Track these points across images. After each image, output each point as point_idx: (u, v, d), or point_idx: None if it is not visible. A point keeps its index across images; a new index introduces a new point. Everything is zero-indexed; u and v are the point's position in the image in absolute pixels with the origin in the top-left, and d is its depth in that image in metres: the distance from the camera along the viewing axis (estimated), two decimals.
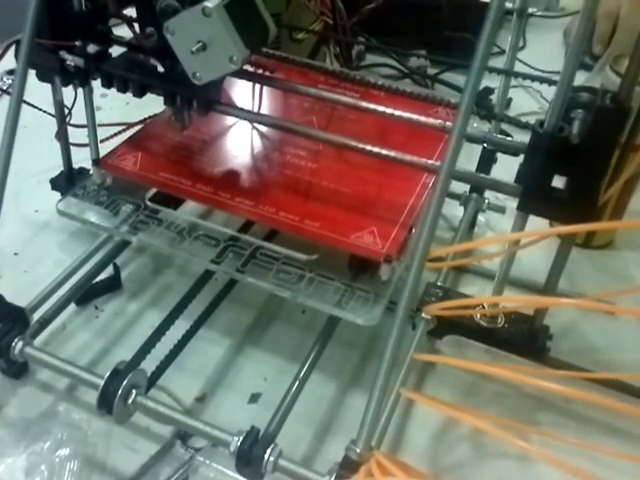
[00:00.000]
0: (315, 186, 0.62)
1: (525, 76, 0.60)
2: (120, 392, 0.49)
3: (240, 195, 0.60)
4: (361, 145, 0.54)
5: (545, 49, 1.13)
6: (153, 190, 0.64)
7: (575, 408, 0.59)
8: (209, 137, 0.67)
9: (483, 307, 0.60)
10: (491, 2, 0.42)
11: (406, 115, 0.54)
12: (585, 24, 0.44)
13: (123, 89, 0.59)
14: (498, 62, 0.66)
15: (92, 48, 0.60)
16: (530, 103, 1.00)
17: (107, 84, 0.60)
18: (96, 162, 0.64)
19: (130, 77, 0.58)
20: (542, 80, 0.58)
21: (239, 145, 0.67)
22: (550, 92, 0.50)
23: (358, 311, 0.54)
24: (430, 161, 0.53)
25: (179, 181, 0.61)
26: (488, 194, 0.76)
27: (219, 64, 0.51)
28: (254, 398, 0.59)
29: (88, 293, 0.65)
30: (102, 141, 0.70)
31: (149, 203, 0.62)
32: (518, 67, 0.72)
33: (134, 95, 0.59)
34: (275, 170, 0.64)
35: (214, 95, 0.58)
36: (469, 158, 0.73)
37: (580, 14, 0.43)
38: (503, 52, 0.66)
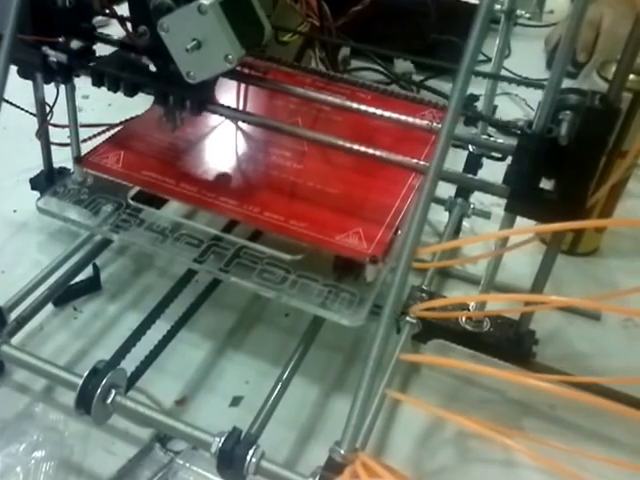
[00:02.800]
0: (301, 187, 0.61)
1: (512, 80, 0.60)
2: (99, 391, 0.48)
3: (224, 195, 0.60)
4: (348, 144, 0.54)
5: (529, 57, 1.14)
6: (135, 189, 0.63)
7: (560, 414, 0.60)
8: (194, 136, 0.67)
9: (469, 309, 0.60)
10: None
11: (393, 116, 0.54)
12: (575, 24, 0.44)
13: (114, 88, 0.58)
14: (485, 70, 0.67)
15: (75, 44, 0.59)
16: (515, 110, 1.01)
17: (98, 82, 0.59)
18: (78, 160, 0.63)
19: (122, 76, 0.57)
20: (528, 84, 0.59)
21: (224, 145, 0.67)
22: (535, 99, 0.50)
23: (343, 312, 0.54)
24: (417, 161, 0.53)
25: (162, 180, 0.61)
26: (473, 199, 0.76)
27: (214, 63, 0.51)
28: (236, 401, 0.59)
29: (66, 294, 0.65)
30: (84, 141, 0.70)
31: (131, 202, 0.62)
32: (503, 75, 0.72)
33: (125, 94, 0.58)
34: (260, 170, 0.63)
35: (207, 95, 0.57)
36: (454, 164, 0.73)
37: (570, 14, 0.44)
38: (489, 60, 0.66)
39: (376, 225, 0.57)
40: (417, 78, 1.02)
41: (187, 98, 0.56)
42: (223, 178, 0.63)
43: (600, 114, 0.46)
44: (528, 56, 1.14)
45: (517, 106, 1.02)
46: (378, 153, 0.53)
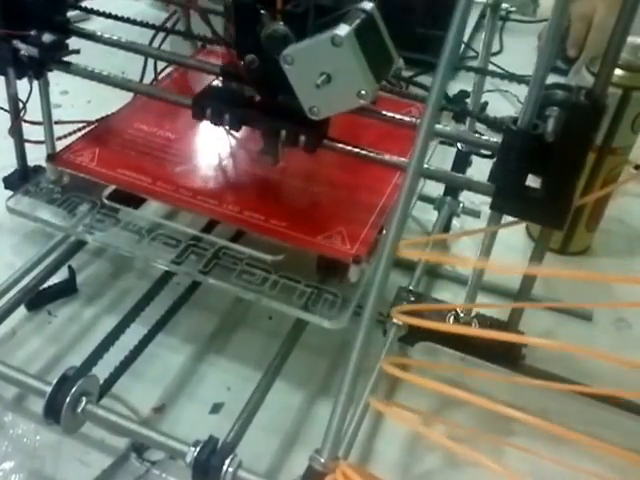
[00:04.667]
0: (282, 185, 0.61)
1: (495, 74, 0.60)
2: (69, 400, 0.47)
3: (203, 194, 0.59)
4: (329, 143, 0.53)
5: (522, 53, 1.13)
6: (111, 188, 0.62)
7: (552, 418, 0.58)
8: (172, 134, 0.66)
9: (456, 313, 0.59)
10: None
11: (377, 112, 0.53)
12: (558, 18, 0.43)
13: (218, 122, 0.54)
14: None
15: (47, 37, 0.58)
16: (507, 107, 1.00)
17: (201, 115, 0.55)
18: (51, 157, 0.62)
19: (228, 110, 0.54)
20: (513, 78, 0.58)
21: (204, 143, 0.66)
22: None
23: (325, 314, 0.53)
24: (399, 158, 0.52)
25: (139, 178, 0.60)
26: (463, 198, 0.75)
27: (344, 99, 0.47)
28: (216, 408, 0.57)
29: (40, 297, 0.63)
30: (59, 139, 0.69)
31: (106, 201, 0.61)
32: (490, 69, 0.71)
33: (230, 128, 0.55)
34: (241, 169, 0.62)
35: (325, 131, 0.54)
36: (443, 163, 0.73)
37: (553, 6, 0.43)
38: (469, 70, 0.65)
39: (360, 224, 0.57)
40: (407, 74, 1.01)
41: (303, 134, 0.53)
42: (202, 177, 0.61)
43: (585, 110, 0.45)
44: (521, 52, 1.13)
45: (509, 102, 1.01)
46: (361, 151, 0.52)
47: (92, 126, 0.66)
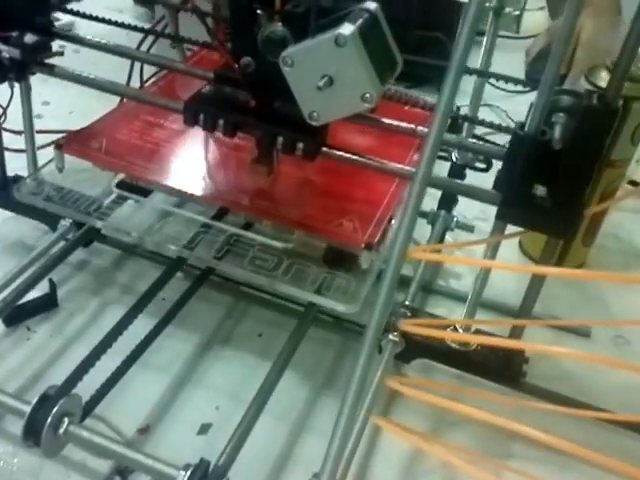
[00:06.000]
0: (294, 176, 0.59)
1: (498, 76, 0.58)
2: (50, 420, 0.44)
3: (214, 184, 0.58)
4: (337, 152, 0.52)
5: (508, 69, 1.12)
6: (119, 176, 0.61)
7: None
8: (178, 126, 0.63)
9: (455, 329, 0.57)
10: None
11: (377, 118, 0.51)
12: (571, 19, 0.41)
13: (211, 127, 0.52)
14: (467, 82, 0.64)
15: (30, 38, 0.56)
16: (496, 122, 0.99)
17: (192, 121, 0.52)
18: (58, 145, 0.59)
19: (223, 115, 0.51)
20: (518, 82, 0.56)
21: (212, 135, 0.64)
22: (517, 111, 0.48)
23: (339, 298, 0.53)
24: (401, 166, 0.50)
25: (147, 168, 0.58)
26: (456, 212, 0.74)
27: (348, 102, 0.44)
28: (204, 429, 0.55)
29: (19, 312, 0.60)
30: (41, 147, 0.66)
31: (115, 189, 0.60)
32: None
33: (224, 134, 0.52)
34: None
35: (324, 138, 0.51)
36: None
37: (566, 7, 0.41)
38: (472, 73, 0.64)
39: (370, 212, 0.56)
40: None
41: (301, 141, 0.50)
42: (212, 167, 0.61)
43: (598, 114, 0.43)
44: (507, 68, 1.12)
45: (499, 118, 1.00)
46: (362, 159, 0.51)
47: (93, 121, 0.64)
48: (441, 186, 0.53)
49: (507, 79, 0.56)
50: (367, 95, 0.44)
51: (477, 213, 0.78)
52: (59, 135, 0.66)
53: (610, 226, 0.78)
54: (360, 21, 0.43)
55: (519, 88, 1.05)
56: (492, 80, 1.02)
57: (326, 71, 0.43)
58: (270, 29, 0.46)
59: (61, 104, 0.90)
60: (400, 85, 0.99)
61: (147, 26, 0.80)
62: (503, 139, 0.76)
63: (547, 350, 0.38)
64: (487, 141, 0.75)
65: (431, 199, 0.72)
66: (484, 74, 0.60)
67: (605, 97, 0.44)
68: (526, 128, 0.45)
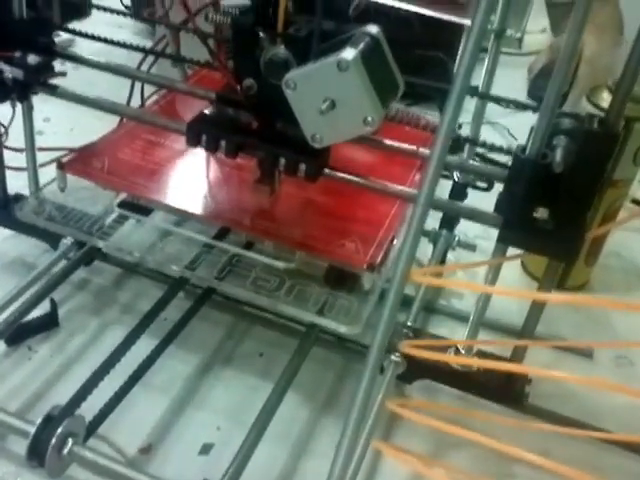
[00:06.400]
0: (296, 197, 0.61)
1: (500, 100, 0.59)
2: (54, 441, 0.45)
3: (216, 203, 0.59)
4: (341, 174, 0.53)
5: (510, 86, 1.14)
6: (121, 196, 0.62)
7: (555, 460, 0.57)
8: (180, 145, 0.65)
9: (457, 349, 0.58)
10: (473, 21, 0.41)
11: (379, 139, 0.52)
12: (572, 44, 0.43)
13: (214, 148, 0.53)
14: (468, 100, 0.65)
15: (33, 59, 0.57)
16: (498, 139, 0.99)
17: (194, 142, 0.53)
18: (61, 165, 0.61)
19: (225, 136, 0.52)
20: (518, 104, 0.57)
21: (214, 155, 0.65)
22: (518, 128, 0.49)
23: (341, 319, 0.54)
24: (403, 188, 0.52)
25: (149, 187, 0.60)
26: (457, 231, 0.75)
27: (349, 125, 0.46)
28: (206, 449, 0.55)
29: (20, 332, 0.61)
30: (42, 166, 0.67)
31: (117, 209, 0.61)
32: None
33: (226, 156, 0.53)
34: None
35: (326, 159, 0.52)
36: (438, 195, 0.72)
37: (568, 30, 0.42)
38: (473, 95, 0.65)
39: (372, 233, 0.57)
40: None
41: (303, 162, 0.51)
42: (214, 186, 0.62)
43: (599, 138, 0.44)
44: (509, 85, 1.14)
45: (499, 135, 1.01)
46: (364, 181, 0.52)
47: (99, 137, 0.66)
48: (443, 208, 0.54)
49: (508, 102, 0.57)
50: (369, 119, 0.45)
51: (479, 232, 0.79)
52: (60, 152, 0.68)
53: (613, 245, 0.79)
54: (362, 45, 0.44)
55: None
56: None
57: (328, 94, 0.44)
58: (272, 52, 0.47)
59: (62, 121, 0.91)
60: (401, 102, 1.01)
61: (147, 42, 0.82)
62: (505, 156, 0.77)
63: (548, 375, 0.39)
64: (489, 160, 0.77)
65: (432, 218, 0.74)
66: (486, 96, 0.61)
67: (606, 121, 0.45)
68: (527, 151, 0.46)
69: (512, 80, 1.17)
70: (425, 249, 0.75)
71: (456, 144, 0.67)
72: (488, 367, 0.55)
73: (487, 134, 0.96)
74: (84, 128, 0.62)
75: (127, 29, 1.23)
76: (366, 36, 0.46)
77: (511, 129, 1.00)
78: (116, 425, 0.54)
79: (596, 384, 0.40)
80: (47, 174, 0.65)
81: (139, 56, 0.65)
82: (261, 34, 0.48)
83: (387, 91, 0.47)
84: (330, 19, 0.46)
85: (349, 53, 0.43)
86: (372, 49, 0.45)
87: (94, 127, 0.66)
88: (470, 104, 0.68)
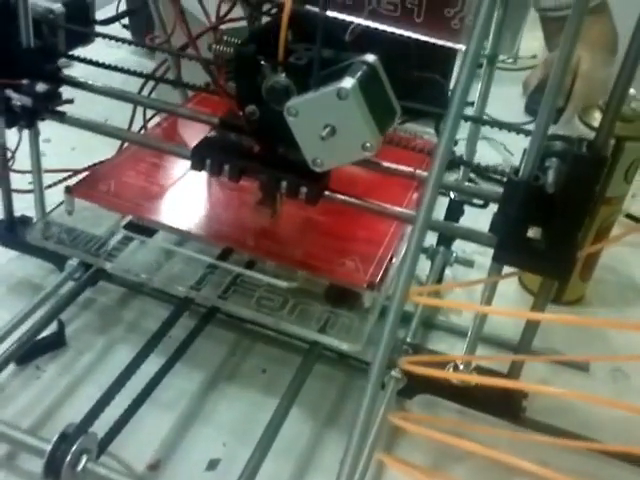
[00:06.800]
0: (297, 216, 0.64)
1: (494, 124, 0.62)
2: (69, 458, 0.47)
3: (220, 224, 0.62)
4: (339, 196, 0.55)
5: (505, 101, 1.16)
6: (127, 218, 0.66)
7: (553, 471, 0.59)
8: (183, 169, 0.68)
9: (456, 365, 0.60)
10: (467, 47, 0.43)
11: (377, 161, 0.55)
12: (561, 71, 0.45)
13: (217, 172, 0.56)
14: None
15: (41, 87, 0.59)
16: (494, 155, 1.03)
17: (200, 167, 0.56)
18: (69, 190, 0.63)
19: (228, 161, 0.55)
20: (511, 128, 0.60)
21: (217, 179, 0.68)
22: (514, 144, 0.51)
23: (343, 337, 0.57)
24: (401, 209, 0.54)
25: (154, 209, 0.63)
26: (455, 247, 0.77)
27: (348, 151, 0.49)
28: (212, 464, 0.58)
29: (29, 351, 0.63)
30: (47, 187, 0.70)
31: (123, 231, 0.64)
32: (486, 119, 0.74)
33: (230, 179, 0.56)
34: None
35: (326, 182, 0.55)
36: (435, 211, 0.74)
37: (556, 60, 0.45)
38: (471, 104, 0.68)
39: (372, 252, 0.60)
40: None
41: (304, 186, 0.54)
42: (217, 208, 0.65)
43: (587, 162, 0.47)
44: (506, 100, 1.17)
45: (495, 150, 1.04)
46: (363, 203, 0.54)
47: (105, 159, 0.69)
48: (440, 229, 0.56)
49: (501, 125, 0.60)
50: (368, 144, 0.48)
51: (476, 247, 0.80)
52: (64, 173, 0.71)
53: (609, 259, 0.81)
54: (360, 74, 0.47)
55: (515, 121, 1.09)
56: (489, 110, 1.07)
57: (329, 121, 0.47)
58: (274, 80, 0.50)
59: (62, 141, 0.93)
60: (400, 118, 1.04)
61: (146, 61, 0.84)
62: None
63: (544, 391, 0.41)
64: (486, 175, 0.79)
65: (431, 234, 0.76)
66: (479, 120, 0.64)
67: (594, 145, 0.47)
68: (520, 173, 0.49)
69: (508, 95, 1.20)
70: (423, 265, 0.77)
71: (451, 164, 0.70)
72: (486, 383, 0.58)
73: (483, 150, 1.00)
74: (85, 147, 0.65)
75: (126, 48, 1.24)
76: (363, 65, 0.48)
77: (507, 145, 1.03)
78: (124, 442, 0.56)
79: (591, 400, 0.43)
80: (53, 195, 0.68)
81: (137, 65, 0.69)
82: (263, 63, 0.51)
83: (384, 117, 0.49)
84: (327, 45, 0.49)
85: (348, 82, 0.46)
86: (369, 77, 0.48)
87: (95, 146, 0.69)
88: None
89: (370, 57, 0.49)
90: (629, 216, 0.90)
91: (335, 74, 0.48)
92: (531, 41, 1.30)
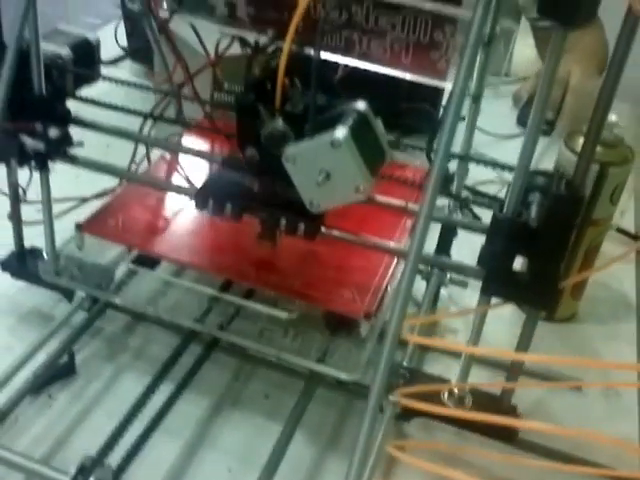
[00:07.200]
0: (293, 248, 0.67)
1: (480, 161, 0.65)
2: None
3: (222, 257, 0.67)
4: (335, 232, 0.60)
5: (498, 114, 1.20)
6: (135, 252, 0.70)
7: None
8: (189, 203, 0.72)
9: (451, 390, 0.64)
10: (453, 89, 0.47)
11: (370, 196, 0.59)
12: (540, 110, 0.49)
13: (219, 212, 0.60)
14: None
15: (54, 132, 0.63)
16: (487, 172, 1.04)
17: (202, 206, 0.60)
18: (79, 226, 0.67)
19: (230, 201, 0.59)
20: (497, 165, 0.64)
21: None
22: (507, 160, 0.55)
23: (341, 366, 0.60)
24: (394, 244, 0.58)
25: (160, 242, 0.67)
26: None
27: (342, 194, 0.53)
28: None
29: (41, 380, 0.67)
30: (56, 217, 0.73)
31: (131, 265, 0.69)
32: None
33: (231, 218, 0.60)
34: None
35: (323, 220, 0.59)
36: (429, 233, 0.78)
37: (535, 102, 0.49)
38: (454, 157, 0.70)
39: (368, 281, 0.63)
40: None
41: (302, 223, 0.58)
42: (219, 241, 0.69)
43: (566, 201, 0.51)
44: (496, 112, 1.19)
45: (486, 168, 1.06)
46: (358, 238, 0.58)
47: (113, 195, 0.73)
48: (432, 263, 0.60)
49: (492, 164, 0.63)
50: (360, 187, 0.52)
51: None
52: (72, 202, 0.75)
53: (601, 276, 0.84)
54: (351, 122, 0.51)
55: (506, 133, 1.12)
56: (480, 125, 1.10)
57: (324, 167, 0.52)
58: (272, 126, 0.54)
59: (66, 169, 0.97)
60: (391, 134, 1.07)
61: (144, 82, 0.88)
62: (494, 188, 0.81)
63: (538, 428, 0.44)
64: (478, 192, 0.82)
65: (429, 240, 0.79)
66: (467, 158, 0.68)
67: (572, 183, 0.51)
68: (504, 209, 0.53)
69: (500, 108, 1.24)
70: (419, 286, 0.81)
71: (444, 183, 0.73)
72: (480, 405, 0.62)
73: (473, 167, 1.03)
74: (89, 175, 0.68)
75: (124, 69, 1.28)
76: (354, 112, 0.53)
77: (498, 160, 1.05)
78: (135, 470, 0.59)
79: (586, 436, 0.46)
80: (61, 221, 0.72)
81: (139, 97, 0.73)
82: (261, 109, 0.54)
83: (375, 161, 0.54)
84: (320, 85, 0.53)
85: (340, 132, 0.50)
86: (360, 125, 0.52)
87: (99, 174, 0.72)
88: (458, 135, 0.73)
89: (361, 105, 0.53)
90: (620, 230, 0.93)
91: (329, 122, 0.52)
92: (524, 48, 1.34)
